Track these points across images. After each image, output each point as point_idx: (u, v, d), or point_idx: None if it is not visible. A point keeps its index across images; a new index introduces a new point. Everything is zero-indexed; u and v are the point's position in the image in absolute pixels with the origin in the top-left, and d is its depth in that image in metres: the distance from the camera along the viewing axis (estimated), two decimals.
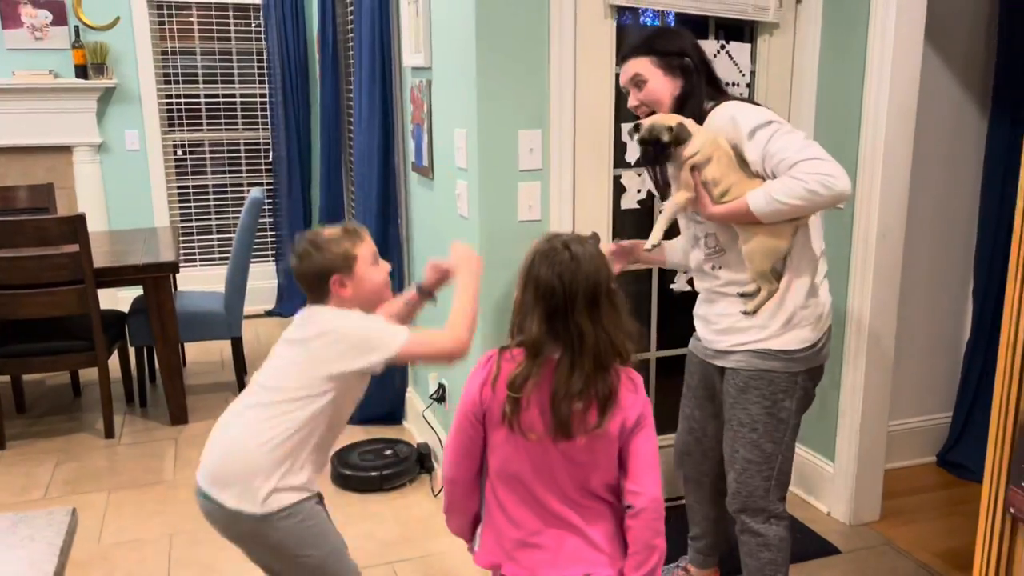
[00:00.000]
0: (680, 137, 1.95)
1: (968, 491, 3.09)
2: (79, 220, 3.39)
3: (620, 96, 2.67)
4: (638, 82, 2.07)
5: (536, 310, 1.53)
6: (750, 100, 2.10)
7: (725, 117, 1.98)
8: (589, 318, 1.52)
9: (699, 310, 2.21)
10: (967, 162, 3.19)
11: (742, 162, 1.98)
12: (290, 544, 1.82)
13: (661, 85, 2.04)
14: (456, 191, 2.84)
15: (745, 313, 2.03)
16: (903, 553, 2.77)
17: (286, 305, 5.50)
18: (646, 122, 1.99)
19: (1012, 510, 1.57)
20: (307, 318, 1.85)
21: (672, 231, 2.17)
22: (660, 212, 2.11)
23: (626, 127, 2.71)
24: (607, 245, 2.24)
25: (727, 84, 2.82)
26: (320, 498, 1.88)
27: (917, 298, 3.21)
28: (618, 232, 2.78)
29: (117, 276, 3.63)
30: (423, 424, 3.45)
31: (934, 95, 3.04)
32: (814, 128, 2.90)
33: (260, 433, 1.78)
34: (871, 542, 2.83)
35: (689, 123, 2.00)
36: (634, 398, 1.58)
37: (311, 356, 1.79)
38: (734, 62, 2.82)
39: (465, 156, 2.73)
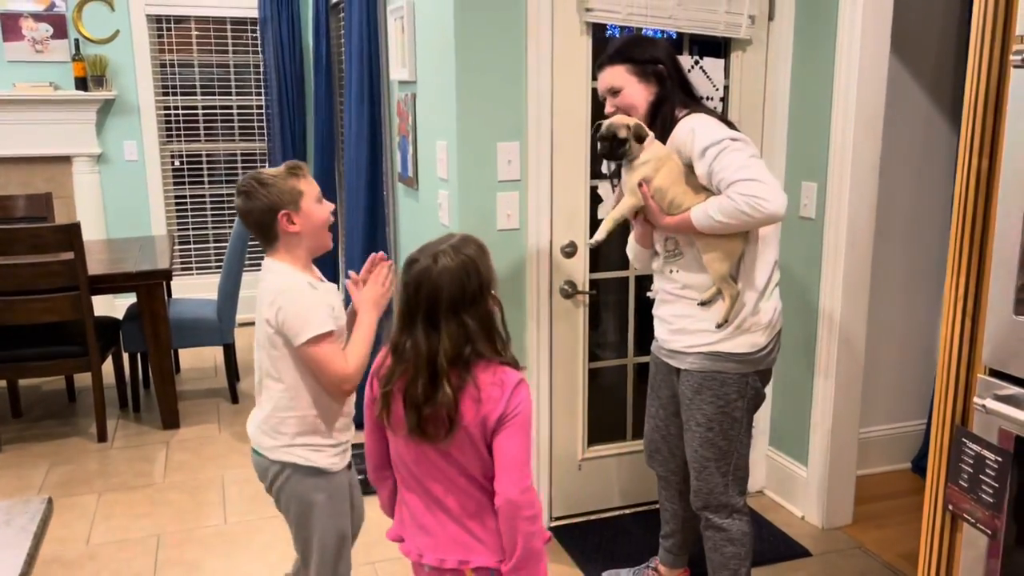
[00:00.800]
0: (639, 134, 2.06)
1: None
2: (74, 228, 3.48)
3: (596, 109, 2.76)
4: (614, 91, 2.16)
5: (399, 312, 1.58)
6: (720, 115, 2.18)
7: (687, 128, 2.07)
8: (426, 332, 1.54)
9: (657, 311, 2.29)
10: (938, 173, 3.27)
11: (693, 174, 2.07)
12: (292, 508, 1.99)
13: (636, 92, 2.13)
14: (438, 200, 2.93)
15: (702, 304, 2.11)
16: (871, 555, 2.83)
17: None
18: (606, 122, 2.10)
19: (950, 507, 1.64)
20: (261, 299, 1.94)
21: (626, 231, 2.29)
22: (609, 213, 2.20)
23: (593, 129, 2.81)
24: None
25: (701, 98, 2.92)
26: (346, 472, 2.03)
27: (891, 307, 3.28)
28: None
29: (110, 283, 3.71)
30: None
31: (904, 108, 3.12)
32: (786, 139, 2.98)
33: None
34: (841, 545, 2.90)
35: (646, 134, 2.09)
36: (499, 397, 1.55)
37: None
38: (708, 77, 2.91)
39: (446, 167, 2.82)
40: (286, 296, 1.89)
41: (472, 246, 1.60)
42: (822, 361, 2.94)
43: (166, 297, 3.98)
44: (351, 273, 2.10)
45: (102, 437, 3.77)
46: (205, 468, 3.51)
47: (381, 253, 2.10)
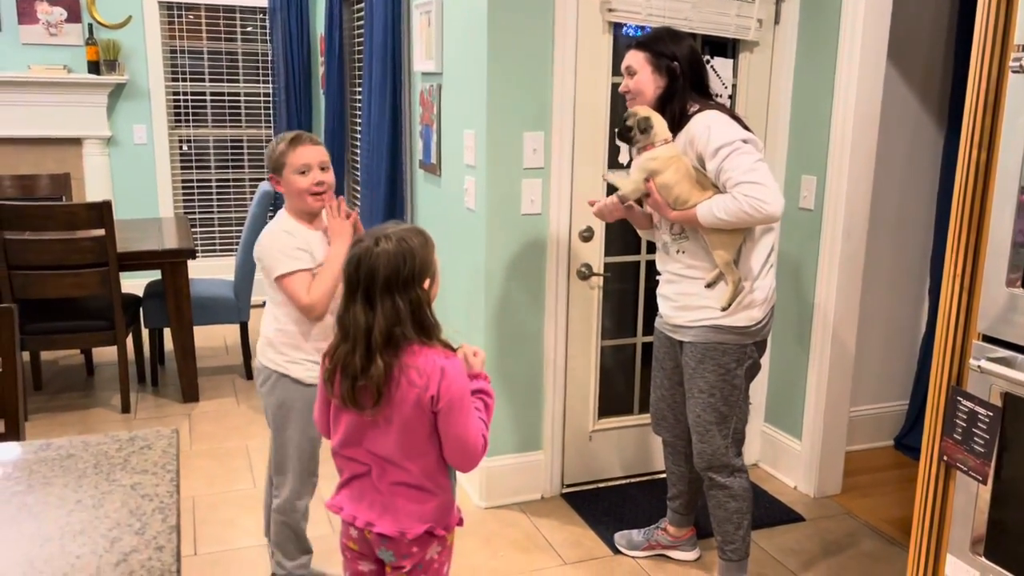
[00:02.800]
0: (641, 126, 2.29)
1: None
2: (105, 206, 3.62)
3: (615, 103, 2.97)
4: (630, 71, 2.38)
5: (344, 290, 1.70)
6: (732, 113, 2.38)
7: (703, 124, 2.27)
8: (364, 309, 1.63)
9: (662, 290, 2.51)
10: (925, 170, 3.52)
11: (700, 166, 2.29)
12: (271, 410, 2.37)
13: (646, 79, 2.35)
14: (464, 186, 3.12)
15: (708, 286, 2.33)
16: (859, 520, 3.07)
17: None
18: (632, 108, 2.35)
19: (945, 457, 1.87)
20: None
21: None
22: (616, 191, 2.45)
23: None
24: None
25: (714, 96, 3.14)
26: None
27: (878, 296, 3.52)
28: (610, 224, 3.06)
29: (137, 260, 3.86)
30: None
31: (895, 108, 3.36)
32: (788, 135, 3.21)
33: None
34: (831, 511, 3.14)
35: (662, 132, 2.31)
36: (429, 378, 1.64)
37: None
38: (717, 75, 3.13)
39: (474, 154, 3.01)
40: (264, 239, 2.30)
41: (417, 236, 1.69)
42: (817, 343, 3.18)
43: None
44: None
45: (126, 408, 3.92)
46: (229, 437, 3.67)
47: (339, 198, 2.37)
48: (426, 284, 1.68)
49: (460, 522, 1.84)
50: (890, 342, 3.63)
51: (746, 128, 2.32)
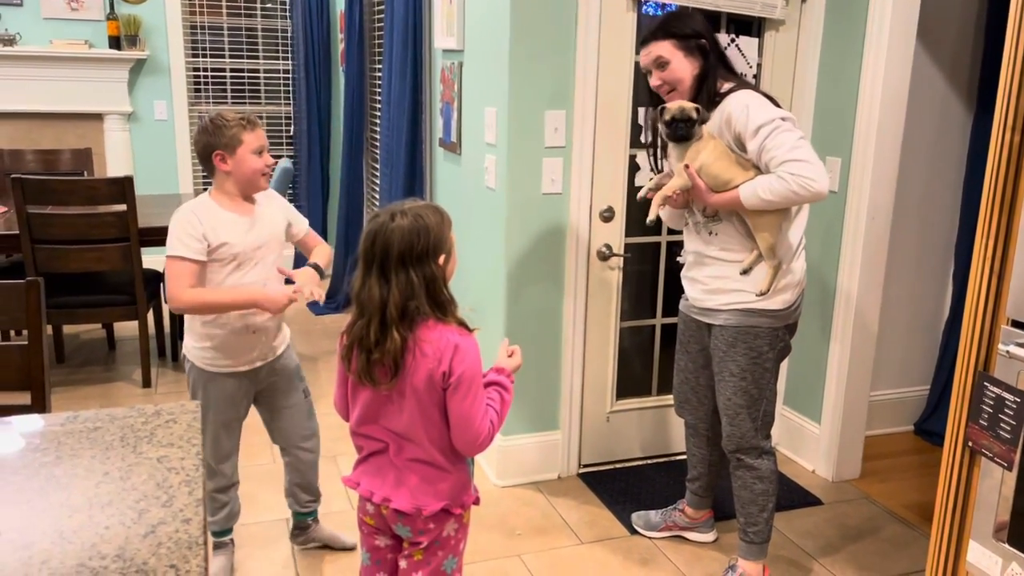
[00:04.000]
0: (704, 117, 2.24)
1: (941, 456, 3.38)
2: (127, 182, 3.63)
3: (638, 81, 2.94)
4: (661, 64, 2.31)
5: (360, 265, 1.70)
6: (764, 92, 2.34)
7: (741, 104, 2.23)
8: (379, 283, 1.63)
9: (689, 272, 2.47)
10: (952, 153, 3.47)
11: (740, 148, 2.25)
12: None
13: (682, 66, 2.30)
14: (484, 165, 3.10)
15: (744, 273, 2.30)
16: (877, 504, 3.06)
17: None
18: (673, 104, 2.25)
19: (970, 443, 1.85)
20: None
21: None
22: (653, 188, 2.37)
23: (643, 111, 2.98)
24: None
25: (741, 75, 3.10)
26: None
27: (901, 280, 3.49)
28: (631, 204, 3.04)
29: (158, 236, 3.85)
30: None
31: (923, 90, 3.31)
32: (812, 116, 3.17)
33: None
34: (850, 496, 3.13)
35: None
36: (441, 354, 1.65)
37: None
38: (743, 54, 3.09)
39: (495, 133, 2.99)
40: (176, 214, 2.28)
41: (434, 213, 1.69)
42: (838, 327, 3.15)
43: None
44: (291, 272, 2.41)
45: (147, 383, 3.95)
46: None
47: (297, 292, 2.34)
48: (441, 260, 1.67)
49: (476, 501, 1.84)
50: (912, 327, 3.60)
51: (779, 106, 2.29)
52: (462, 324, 1.70)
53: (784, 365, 3.38)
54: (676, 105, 2.24)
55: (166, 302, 2.28)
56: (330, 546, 2.71)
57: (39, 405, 1.69)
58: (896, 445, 3.55)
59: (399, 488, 1.73)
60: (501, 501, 3.02)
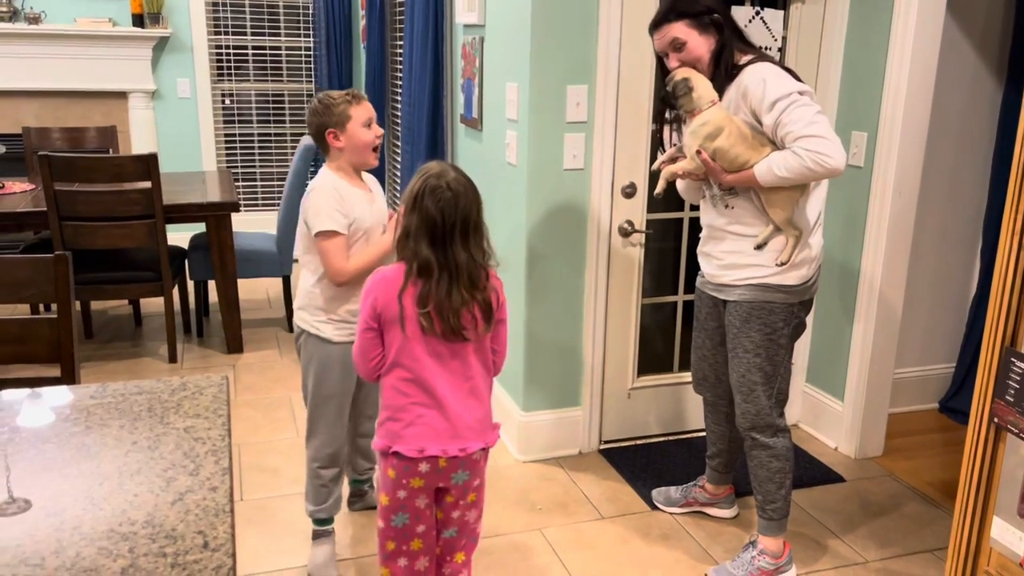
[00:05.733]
0: (680, 89, 2.22)
1: (965, 435, 3.35)
2: (152, 159, 3.66)
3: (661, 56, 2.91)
4: (677, 45, 2.28)
5: (422, 237, 1.77)
6: (783, 65, 2.31)
7: (758, 77, 2.20)
8: (463, 247, 1.78)
9: (704, 247, 2.45)
10: (980, 127, 3.41)
11: (757, 122, 2.22)
12: (303, 363, 2.44)
13: (699, 44, 2.27)
14: (506, 141, 3.09)
15: (758, 248, 2.28)
16: (900, 482, 3.05)
17: None
18: (672, 73, 2.28)
19: (995, 419, 1.84)
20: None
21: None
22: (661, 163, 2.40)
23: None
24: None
25: (761, 48, 3.06)
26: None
27: (927, 255, 3.45)
28: (653, 180, 3.01)
29: (183, 213, 3.91)
30: None
31: (952, 63, 3.25)
32: (839, 89, 3.13)
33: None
34: (872, 473, 3.12)
35: (707, 93, 2.23)
36: (497, 295, 1.87)
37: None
38: (767, 27, 3.04)
39: (516, 108, 2.98)
40: (313, 192, 2.31)
41: (457, 177, 1.81)
42: (862, 303, 3.13)
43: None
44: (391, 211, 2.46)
45: (172, 358, 4.01)
46: (272, 389, 3.74)
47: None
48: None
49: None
50: (938, 303, 3.56)
51: (798, 80, 2.26)
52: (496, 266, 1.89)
53: (806, 341, 3.37)
54: (672, 75, 2.27)
55: (333, 277, 2.28)
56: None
57: (68, 377, 1.72)
58: (920, 423, 3.53)
59: (459, 436, 1.82)
60: (522, 476, 3.04)
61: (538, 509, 2.83)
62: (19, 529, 1.02)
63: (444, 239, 1.74)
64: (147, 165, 3.67)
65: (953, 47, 3.24)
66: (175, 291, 4.20)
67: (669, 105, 2.32)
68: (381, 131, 2.41)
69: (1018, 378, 1.77)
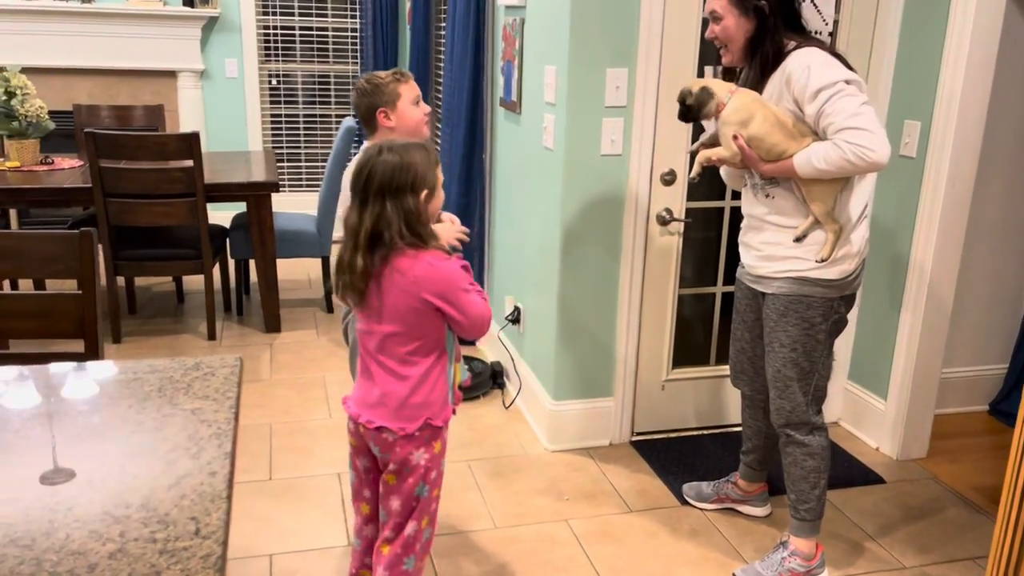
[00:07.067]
0: (700, 101, 2.16)
1: None
2: (194, 138, 3.69)
3: (705, 39, 2.82)
4: (716, 17, 2.21)
5: (355, 198, 1.78)
6: (833, 51, 2.20)
7: (802, 64, 2.11)
8: (379, 211, 1.73)
9: (744, 237, 2.37)
10: None
11: (800, 111, 2.12)
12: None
13: (734, 24, 2.17)
14: (543, 124, 3.04)
15: (797, 240, 2.20)
16: (943, 485, 2.94)
17: None
18: (685, 87, 2.20)
19: None
20: None
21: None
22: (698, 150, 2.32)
23: (708, 69, 2.87)
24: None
25: (812, 33, 2.94)
26: None
27: (982, 251, 3.30)
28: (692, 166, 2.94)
29: (224, 192, 3.94)
30: (497, 344, 3.70)
31: (1013, 49, 3.09)
32: (892, 77, 3.00)
33: None
34: (914, 475, 3.01)
35: (721, 90, 2.17)
36: (430, 274, 1.76)
37: None
38: (818, 11, 2.93)
39: (555, 91, 2.92)
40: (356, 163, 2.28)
41: (420, 152, 1.78)
42: (910, 299, 3.01)
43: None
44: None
45: (211, 335, 4.06)
46: (307, 369, 3.76)
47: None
48: (423, 196, 1.75)
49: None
50: (992, 301, 3.41)
51: (849, 67, 2.15)
52: (444, 250, 1.81)
53: (849, 337, 3.26)
54: (684, 88, 2.19)
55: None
56: None
57: (92, 353, 1.73)
58: (968, 425, 3.39)
59: (370, 408, 1.86)
60: (552, 466, 3.00)
61: (565, 499, 2.79)
62: (12, 508, 1.02)
63: (365, 200, 1.74)
64: (189, 144, 3.70)
65: (1015, 31, 3.08)
66: (216, 269, 4.25)
67: (692, 117, 2.24)
68: (428, 108, 2.42)
69: None
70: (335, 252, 2.38)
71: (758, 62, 2.19)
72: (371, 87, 2.33)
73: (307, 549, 2.50)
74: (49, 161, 4.18)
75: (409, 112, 2.34)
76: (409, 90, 2.35)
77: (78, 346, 1.75)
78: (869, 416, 3.22)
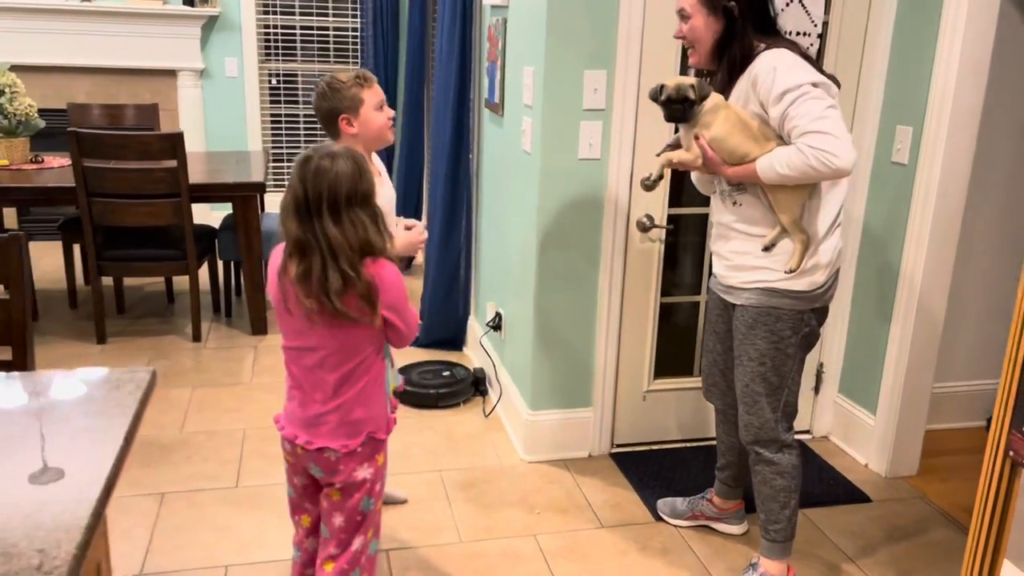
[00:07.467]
0: (703, 93, 2.05)
1: None
2: (177, 137, 3.65)
3: None
4: (683, 16, 2.12)
5: (291, 212, 1.68)
6: (804, 53, 2.10)
7: (768, 66, 2.01)
8: (333, 223, 1.65)
9: (714, 245, 2.28)
10: None
11: (764, 113, 2.03)
12: None
13: (702, 24, 2.08)
14: (522, 127, 2.96)
15: (765, 249, 2.10)
16: (932, 505, 2.82)
17: None
18: (671, 82, 2.07)
19: (1011, 453, 1.64)
20: None
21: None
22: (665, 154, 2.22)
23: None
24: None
25: (798, 34, 2.84)
26: None
27: (978, 261, 3.18)
28: (675, 172, 2.85)
29: (208, 192, 3.90)
30: (481, 351, 3.63)
31: (1011, 51, 2.97)
32: (884, 80, 2.89)
33: None
34: (903, 494, 2.89)
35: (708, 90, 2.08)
36: (387, 284, 1.71)
37: None
38: (807, 11, 2.82)
39: (532, 93, 2.84)
40: None
41: (361, 158, 1.73)
42: (900, 310, 2.90)
43: (260, 210, 4.15)
44: (403, 220, 2.38)
45: (197, 337, 4.02)
46: None
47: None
48: (376, 200, 1.72)
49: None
50: (989, 314, 3.29)
51: (820, 71, 2.06)
52: (394, 260, 1.75)
53: (839, 349, 3.16)
54: (674, 83, 2.06)
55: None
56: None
57: (20, 361, 1.68)
58: (963, 441, 3.27)
59: (310, 427, 1.81)
60: (526, 477, 2.92)
61: (536, 513, 2.71)
62: None
63: (310, 214, 1.66)
64: (173, 144, 3.66)
65: (1012, 33, 2.96)
66: (206, 271, 4.22)
67: (679, 119, 2.12)
68: (392, 113, 2.33)
69: None
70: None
71: (726, 64, 2.10)
72: (331, 91, 2.23)
73: (266, 561, 2.44)
74: (39, 160, 4.17)
75: (372, 118, 2.26)
76: (372, 95, 2.26)
77: (5, 353, 1.69)
78: (858, 431, 3.11)
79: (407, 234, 2.38)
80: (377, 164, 2.41)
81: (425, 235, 2.37)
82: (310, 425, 1.79)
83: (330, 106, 2.24)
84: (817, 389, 3.25)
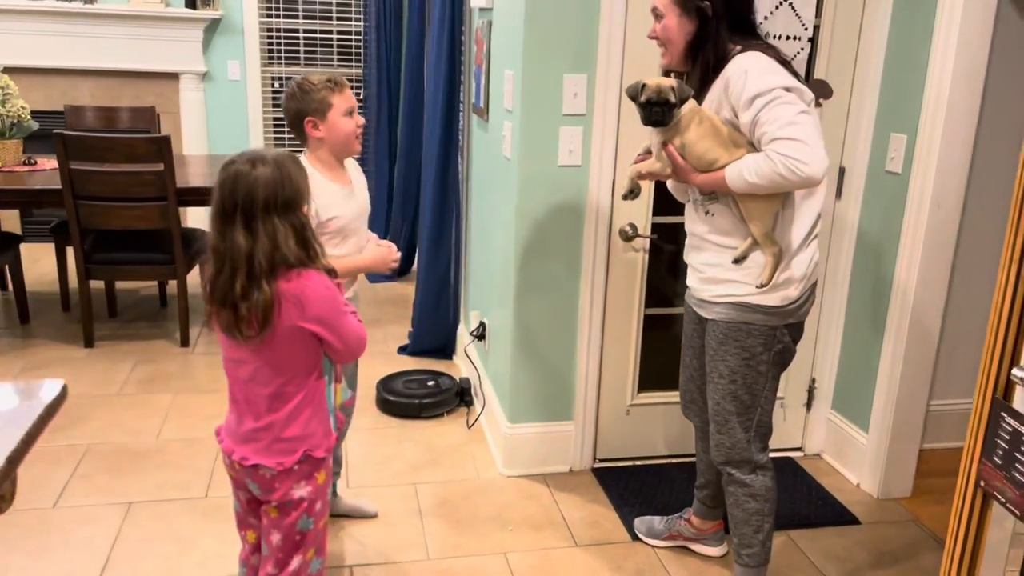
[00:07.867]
0: (683, 95, 1.95)
1: None
2: (164, 141, 3.62)
3: None
4: (657, 15, 2.04)
5: (212, 218, 1.61)
6: (780, 57, 2.01)
7: (740, 69, 1.93)
8: (245, 232, 1.57)
9: (688, 257, 2.20)
10: None
11: (735, 118, 1.95)
12: None
13: (675, 24, 2.00)
14: (503, 132, 2.89)
15: (736, 261, 2.01)
16: (924, 528, 2.71)
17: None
18: (652, 82, 1.97)
19: (982, 483, 1.54)
20: None
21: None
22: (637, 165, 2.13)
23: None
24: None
25: (788, 38, 2.75)
26: None
27: (976, 276, 3.05)
28: (660, 182, 2.76)
29: (196, 195, 3.87)
30: (468, 361, 3.56)
31: (1010, 56, 2.84)
32: (879, 86, 2.78)
33: None
34: (894, 516, 2.78)
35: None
36: (310, 298, 1.62)
37: None
38: (796, 15, 2.73)
39: (512, 98, 2.77)
40: None
41: (294, 163, 1.65)
42: (892, 326, 2.79)
43: None
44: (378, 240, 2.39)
45: (185, 342, 3.99)
46: None
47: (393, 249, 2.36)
48: (305, 208, 1.64)
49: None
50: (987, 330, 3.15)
51: (795, 75, 1.97)
52: (328, 271, 1.68)
53: (833, 362, 3.05)
54: (654, 84, 1.96)
55: None
56: (350, 516, 2.64)
57: None
58: (960, 462, 3.13)
59: (244, 443, 1.76)
60: (503, 492, 2.85)
61: (509, 530, 2.63)
62: None
63: (227, 218, 1.58)
64: (159, 147, 3.63)
65: (1011, 38, 2.84)
66: (198, 275, 4.18)
67: (658, 123, 2.01)
68: (363, 121, 2.28)
69: (1007, 437, 1.46)
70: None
71: (699, 66, 2.02)
72: (300, 92, 2.20)
73: None
74: (32, 162, 4.16)
75: (340, 124, 2.21)
76: (342, 100, 2.20)
77: None
78: (851, 450, 3.00)
79: (377, 250, 2.34)
80: (351, 173, 2.35)
81: (397, 253, 2.34)
82: (246, 440, 1.73)
83: (297, 107, 2.20)
84: (809, 405, 3.14)
